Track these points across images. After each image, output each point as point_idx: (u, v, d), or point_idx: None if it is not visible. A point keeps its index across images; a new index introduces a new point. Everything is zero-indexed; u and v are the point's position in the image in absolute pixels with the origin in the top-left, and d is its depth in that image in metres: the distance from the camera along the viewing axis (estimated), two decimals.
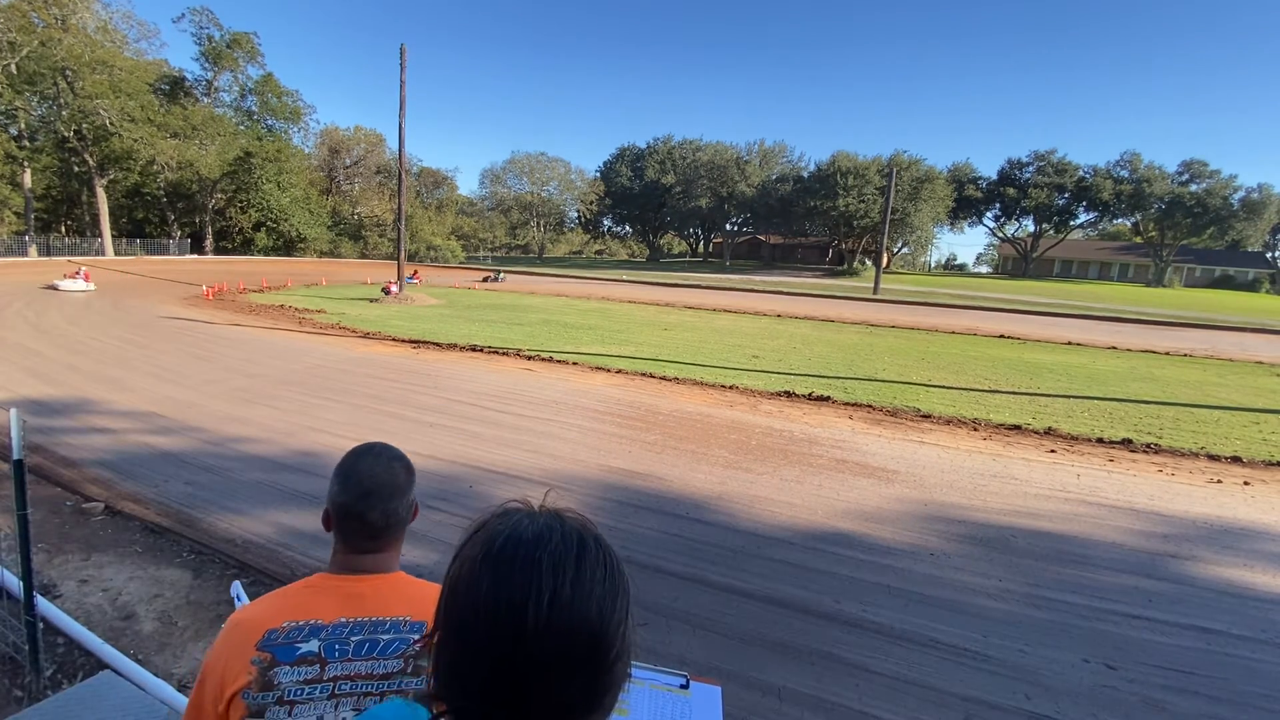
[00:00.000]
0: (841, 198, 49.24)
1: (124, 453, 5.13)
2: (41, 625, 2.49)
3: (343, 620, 0.95)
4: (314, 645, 0.92)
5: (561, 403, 7.45)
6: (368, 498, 0.99)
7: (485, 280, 29.47)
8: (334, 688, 0.91)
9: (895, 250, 61.15)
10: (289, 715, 0.88)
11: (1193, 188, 53.17)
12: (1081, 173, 56.96)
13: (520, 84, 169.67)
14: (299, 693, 0.89)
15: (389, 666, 0.93)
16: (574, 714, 0.50)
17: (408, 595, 1.00)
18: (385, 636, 0.94)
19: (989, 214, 63.15)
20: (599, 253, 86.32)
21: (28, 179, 34.12)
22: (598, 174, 68.62)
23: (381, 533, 1.01)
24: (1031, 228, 62.18)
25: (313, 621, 0.93)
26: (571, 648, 0.49)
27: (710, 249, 69.42)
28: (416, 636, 0.95)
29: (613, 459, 5.48)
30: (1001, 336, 17.56)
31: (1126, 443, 6.72)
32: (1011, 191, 58.29)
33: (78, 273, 20.18)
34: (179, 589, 3.19)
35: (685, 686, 1.10)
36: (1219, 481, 5.61)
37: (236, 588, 1.68)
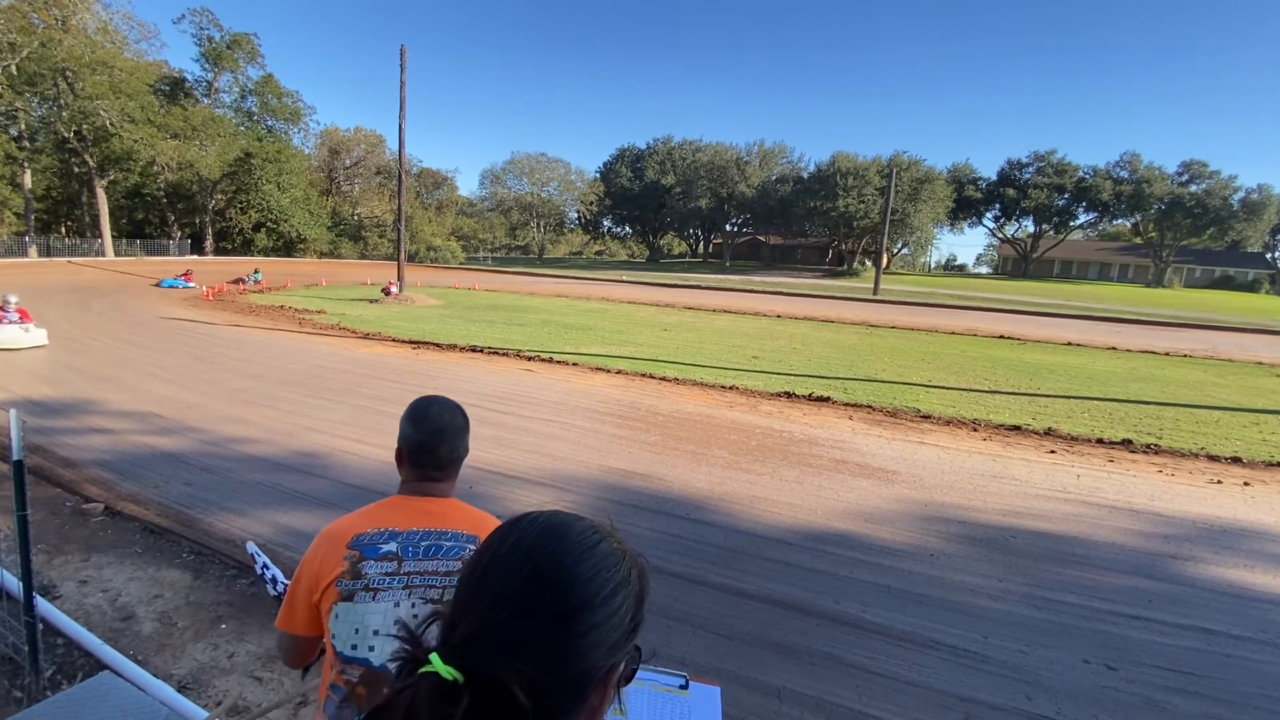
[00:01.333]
0: (841, 198, 49.22)
1: (124, 453, 5.12)
2: (41, 626, 2.49)
3: (414, 529, 1.19)
4: (393, 546, 1.16)
5: (561, 403, 7.45)
6: (438, 435, 1.26)
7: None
8: (408, 580, 1.15)
9: (895, 251, 61.14)
10: (373, 599, 1.13)
11: (1192, 188, 53.16)
12: (1081, 173, 56.96)
13: (520, 84, 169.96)
14: (381, 582, 1.14)
15: (450, 566, 1.17)
16: (524, 660, 0.51)
17: (465, 514, 1.25)
18: (448, 543, 1.19)
19: (989, 214, 63.15)
20: (599, 253, 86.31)
21: (28, 180, 34.11)
22: (598, 175, 68.60)
23: (447, 464, 1.28)
24: (1031, 228, 62.17)
25: (391, 528, 1.19)
26: (533, 586, 0.54)
27: (710, 250, 69.39)
28: (471, 546, 1.19)
29: (613, 459, 5.48)
30: (1001, 337, 17.56)
31: (1126, 443, 6.72)
32: (1011, 192, 58.28)
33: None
34: (179, 590, 3.18)
35: (685, 687, 1.10)
36: (1219, 482, 5.61)
37: (252, 546, 1.84)
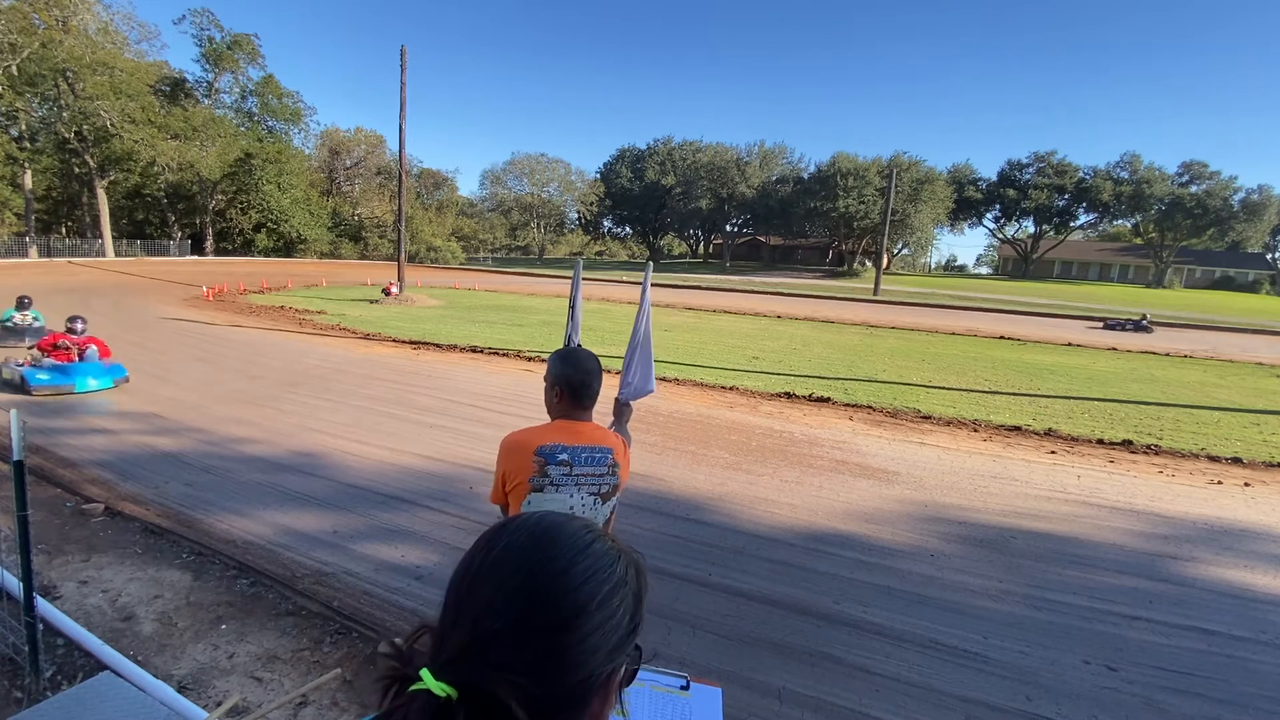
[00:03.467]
0: (841, 199, 49.23)
1: (124, 453, 5.12)
2: (41, 626, 2.49)
3: (579, 444, 1.66)
4: (565, 455, 1.63)
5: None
6: (592, 374, 1.76)
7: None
8: (577, 480, 1.65)
9: (895, 251, 61.16)
10: (556, 491, 1.62)
11: (1193, 189, 53.18)
12: (1081, 174, 56.99)
13: (520, 85, 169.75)
14: (561, 479, 1.63)
15: (602, 470, 1.68)
16: (519, 672, 0.49)
17: (605, 433, 1.76)
18: (599, 454, 1.68)
19: (989, 215, 63.18)
20: (599, 254, 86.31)
21: (28, 180, 34.13)
22: (598, 175, 68.63)
23: (595, 395, 1.77)
24: (1031, 229, 62.20)
25: (562, 443, 1.65)
26: (524, 594, 0.52)
27: (710, 250, 69.41)
28: (610, 455, 1.69)
29: None
30: (1001, 337, 17.56)
31: (1127, 444, 6.72)
32: (1011, 193, 58.30)
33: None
34: (179, 590, 3.18)
35: (686, 688, 1.10)
36: (1219, 483, 5.61)
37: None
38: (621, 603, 0.55)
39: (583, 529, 0.58)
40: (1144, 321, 21.45)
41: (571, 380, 1.71)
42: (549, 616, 0.51)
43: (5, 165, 32.19)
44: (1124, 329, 21.21)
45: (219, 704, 2.38)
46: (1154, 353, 15.38)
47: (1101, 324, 22.85)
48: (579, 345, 1.87)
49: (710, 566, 3.64)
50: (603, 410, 1.86)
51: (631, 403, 2.55)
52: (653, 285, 2.97)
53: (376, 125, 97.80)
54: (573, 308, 2.98)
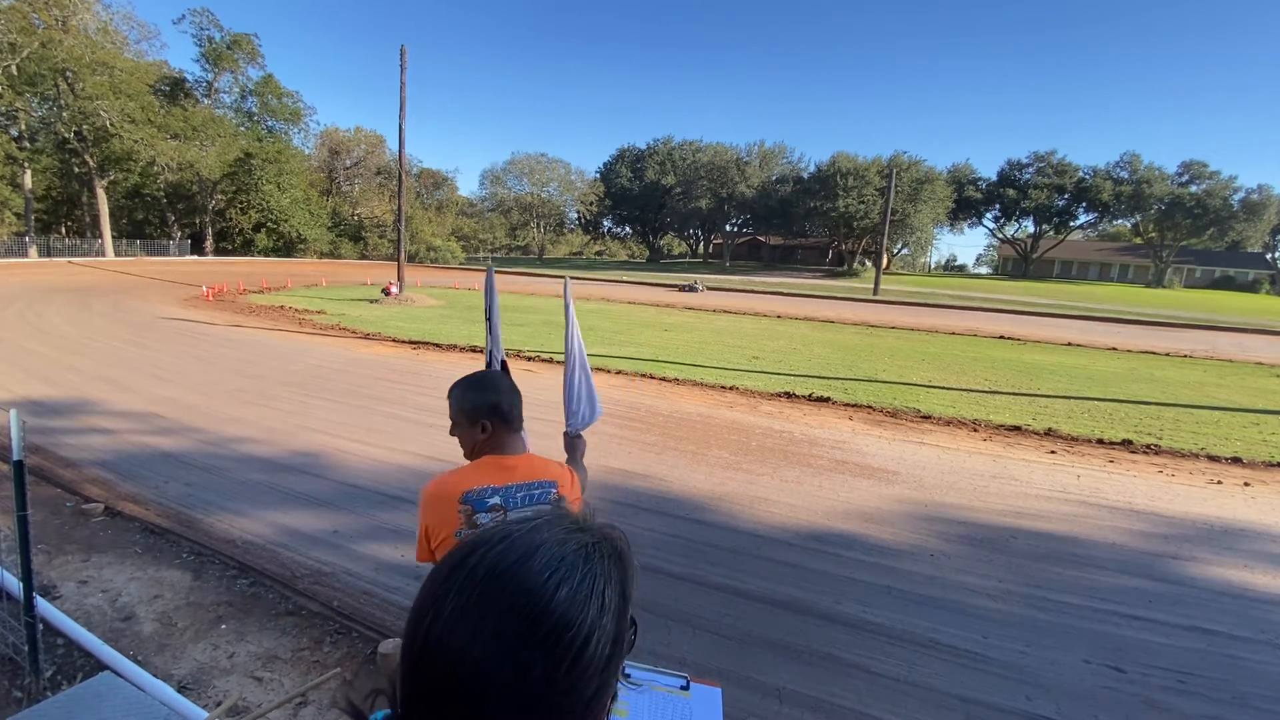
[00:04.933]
0: (841, 199, 49.22)
1: (124, 453, 5.12)
2: (41, 626, 2.48)
3: (510, 484, 1.44)
4: (497, 499, 1.41)
5: (562, 403, 7.44)
6: (511, 394, 1.53)
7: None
8: None
9: (895, 251, 61.13)
10: None
11: (1192, 189, 53.18)
12: (1081, 174, 56.98)
13: (520, 84, 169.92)
14: None
15: (542, 508, 1.41)
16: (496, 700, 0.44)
17: (543, 465, 1.52)
18: (537, 491, 1.46)
19: (989, 215, 63.17)
20: (599, 254, 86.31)
21: (28, 180, 34.13)
22: (598, 175, 68.61)
23: (517, 420, 1.53)
24: (1031, 229, 62.19)
25: (492, 485, 1.42)
26: (491, 663, 0.44)
27: (710, 250, 69.40)
28: (553, 490, 1.48)
29: (612, 460, 5.48)
30: (1001, 337, 17.56)
31: (1127, 444, 6.72)
32: (1011, 192, 58.29)
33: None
34: (179, 590, 3.18)
35: (686, 688, 1.10)
36: (1219, 482, 5.61)
37: None
38: (603, 627, 0.48)
39: (554, 542, 0.49)
40: (695, 286, 30.13)
41: (487, 404, 1.48)
42: (525, 684, 0.44)
43: (5, 165, 32.18)
44: (686, 291, 30.23)
45: (219, 704, 2.38)
46: (1154, 352, 15.38)
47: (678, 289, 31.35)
48: (496, 367, 1.56)
49: (710, 566, 3.64)
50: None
51: (583, 434, 2.27)
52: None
53: (376, 125, 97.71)
54: (489, 319, 2.49)
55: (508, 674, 0.44)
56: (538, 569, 0.47)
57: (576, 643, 0.45)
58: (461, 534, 1.33)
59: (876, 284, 34.89)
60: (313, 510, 4.19)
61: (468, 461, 1.52)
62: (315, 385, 7.86)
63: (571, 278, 3.04)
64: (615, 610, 0.50)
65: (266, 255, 42.00)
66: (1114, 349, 15.85)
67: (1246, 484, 5.60)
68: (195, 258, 39.22)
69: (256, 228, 42.06)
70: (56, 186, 39.41)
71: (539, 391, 8.09)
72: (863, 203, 49.50)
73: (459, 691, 0.44)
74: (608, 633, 0.48)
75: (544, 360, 10.37)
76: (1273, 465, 6.19)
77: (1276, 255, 65.62)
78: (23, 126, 32.39)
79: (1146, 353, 15.34)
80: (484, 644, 0.44)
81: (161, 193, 40.36)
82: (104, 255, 35.23)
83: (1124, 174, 55.55)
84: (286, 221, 42.04)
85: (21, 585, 2.34)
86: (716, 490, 4.87)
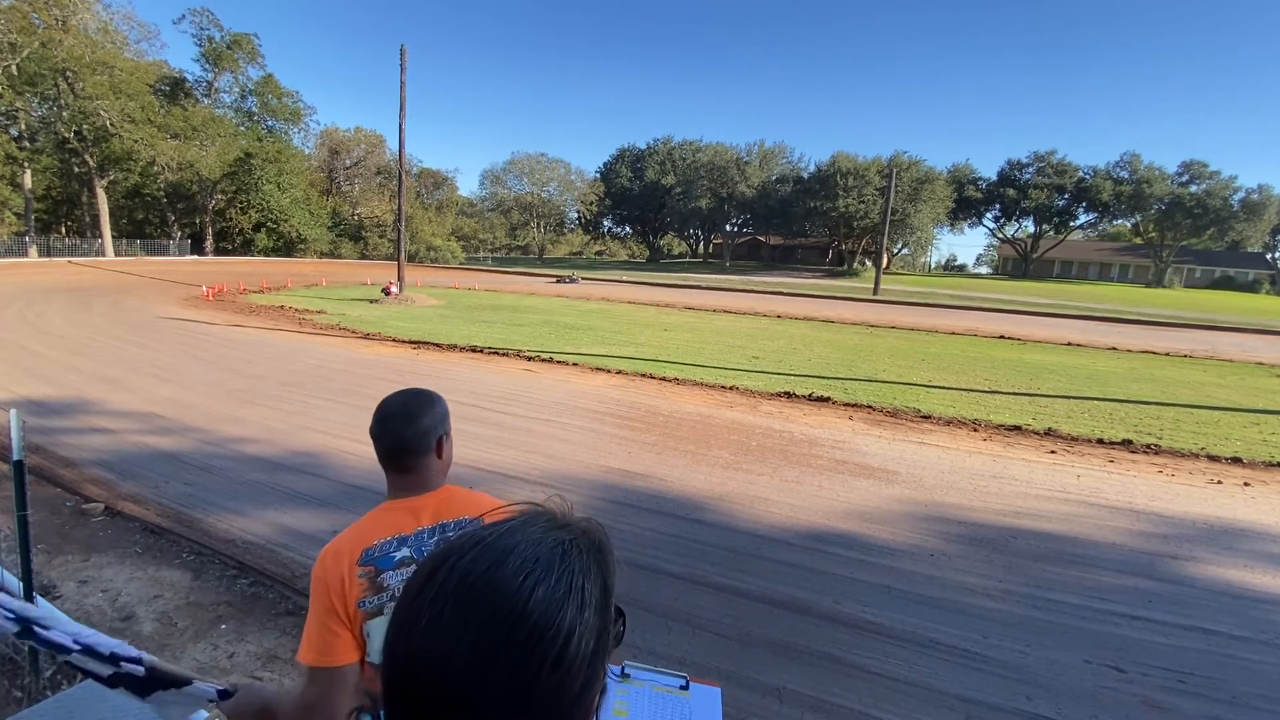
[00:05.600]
0: (841, 198, 49.24)
1: (124, 453, 5.12)
2: None
3: (420, 529, 1.18)
4: (405, 551, 1.15)
5: (561, 403, 7.45)
6: (382, 423, 1.22)
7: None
8: None
9: (895, 251, 61.16)
10: None
11: (1193, 189, 53.20)
12: (1081, 174, 57.01)
13: (520, 84, 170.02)
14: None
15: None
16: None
17: (463, 500, 1.26)
18: (452, 534, 1.15)
19: (989, 215, 63.22)
20: (599, 253, 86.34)
21: (28, 180, 34.14)
22: (598, 175, 68.65)
23: (397, 453, 1.20)
24: (1031, 228, 62.24)
25: (399, 534, 1.16)
26: (460, 666, 0.43)
27: (710, 250, 69.43)
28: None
29: (612, 460, 5.48)
30: (1001, 337, 17.56)
31: (1127, 443, 6.72)
32: (1011, 192, 58.32)
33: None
34: (179, 590, 3.18)
35: (685, 688, 1.10)
36: (1219, 482, 5.61)
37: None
38: (590, 598, 0.48)
39: (529, 544, 0.48)
40: (572, 278, 31.77)
41: (374, 436, 1.22)
42: (524, 650, 0.44)
43: (5, 165, 32.18)
44: (563, 283, 31.79)
45: None
46: (1154, 352, 15.38)
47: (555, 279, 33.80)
48: (413, 389, 1.33)
49: (710, 566, 3.64)
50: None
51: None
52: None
53: (376, 125, 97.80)
54: None
55: (492, 681, 0.43)
56: (511, 573, 0.46)
57: (558, 642, 0.45)
58: (366, 602, 1.08)
59: (876, 284, 34.89)
60: (313, 510, 4.20)
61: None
62: (315, 385, 7.86)
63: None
64: (596, 604, 0.49)
65: (266, 255, 42.01)
66: (1114, 349, 15.85)
67: (1246, 484, 5.60)
68: (195, 257, 39.22)
69: (256, 228, 42.07)
70: (56, 186, 39.42)
71: (539, 391, 8.09)
72: (863, 203, 49.51)
73: (445, 704, 0.43)
74: (590, 627, 0.47)
75: (544, 360, 10.38)
76: (1273, 465, 6.19)
77: (1276, 255, 65.66)
78: (23, 126, 32.41)
79: (1146, 353, 15.34)
80: (465, 655, 0.43)
81: (161, 193, 40.38)
82: (104, 255, 35.24)
83: (1124, 174, 55.57)
84: (286, 221, 42.05)
85: (21, 585, 2.34)
86: (716, 490, 4.87)
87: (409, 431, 1.21)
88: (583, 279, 35.53)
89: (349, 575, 1.10)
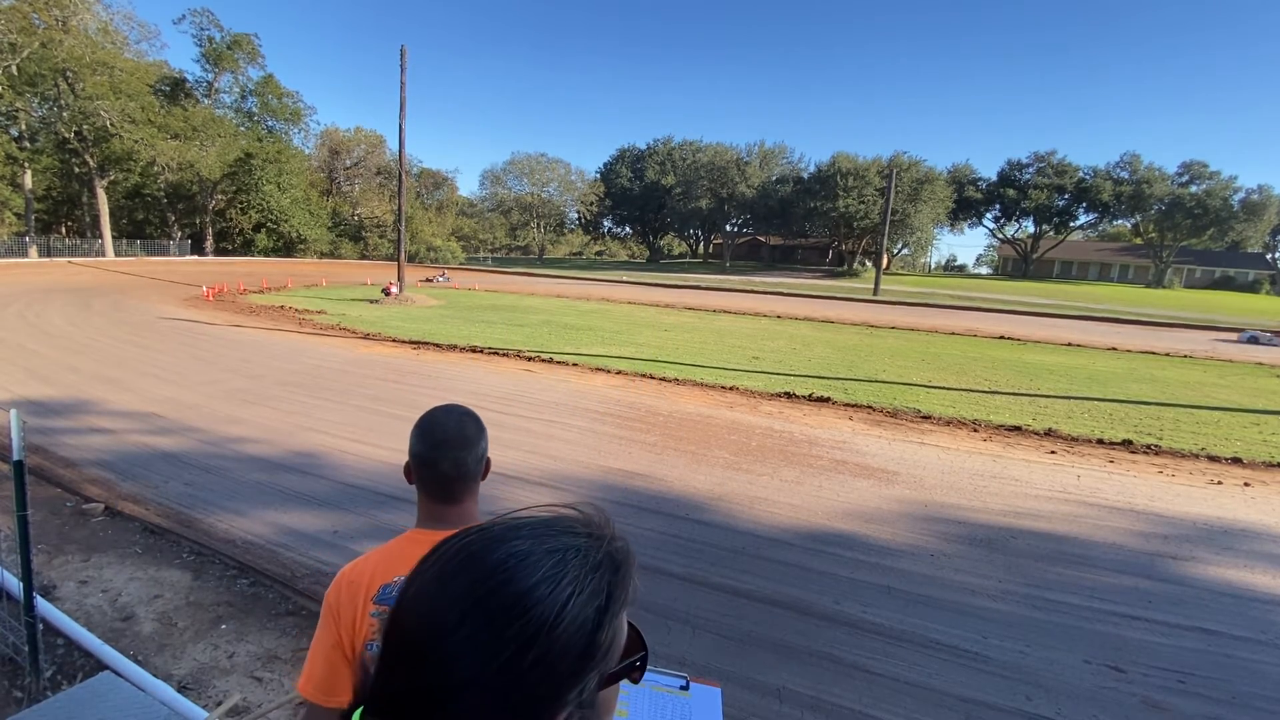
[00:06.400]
0: (841, 199, 49.23)
1: (124, 453, 5.12)
2: (41, 626, 2.49)
3: None
4: None
5: (561, 404, 7.45)
6: (439, 448, 1.09)
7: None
8: None
9: (895, 251, 61.15)
10: None
11: (1193, 189, 53.18)
12: (1081, 174, 56.99)
13: (520, 84, 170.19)
14: None
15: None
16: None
17: None
18: None
19: (989, 215, 63.18)
20: (599, 254, 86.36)
21: (28, 180, 34.13)
22: (598, 175, 68.67)
23: (453, 482, 1.11)
24: (1031, 229, 62.20)
25: None
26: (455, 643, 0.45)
27: (710, 250, 69.42)
28: None
29: (613, 460, 5.48)
30: (1001, 337, 17.56)
31: (1127, 444, 6.72)
32: (1011, 193, 58.30)
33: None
34: (179, 590, 3.18)
35: (685, 688, 1.10)
36: (1219, 483, 5.61)
37: None
38: (586, 603, 0.48)
39: (528, 541, 0.49)
40: (444, 276, 23.67)
41: (415, 455, 1.12)
42: (499, 623, 0.45)
43: (5, 165, 32.18)
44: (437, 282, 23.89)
45: (219, 704, 2.38)
46: (1154, 352, 15.38)
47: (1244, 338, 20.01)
48: (454, 403, 1.20)
49: (710, 566, 3.64)
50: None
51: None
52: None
53: (376, 125, 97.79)
54: None
55: (461, 636, 0.44)
56: (500, 557, 0.47)
57: (531, 629, 0.44)
58: (374, 647, 0.98)
59: (876, 284, 34.89)
60: (313, 510, 4.19)
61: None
62: (315, 385, 7.86)
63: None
64: (593, 614, 0.48)
65: (266, 255, 42.00)
66: (1114, 349, 15.85)
67: (1246, 484, 5.60)
68: (195, 258, 39.21)
69: (256, 228, 42.06)
70: (56, 186, 39.42)
71: (539, 391, 8.09)
72: (863, 203, 49.50)
73: (420, 648, 0.46)
74: (579, 631, 0.46)
75: (544, 360, 10.37)
76: (1273, 465, 6.19)
77: (1276, 255, 65.65)
78: (23, 126, 32.40)
79: (1146, 353, 15.34)
80: (443, 607, 0.46)
81: (161, 193, 40.37)
82: (104, 255, 35.23)
83: (1124, 174, 55.56)
84: (286, 221, 42.04)
85: (21, 585, 2.34)
86: (716, 490, 4.87)
87: (469, 458, 1.12)
88: (451, 276, 32.56)
89: (361, 613, 1.03)
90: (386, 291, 20.31)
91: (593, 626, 0.47)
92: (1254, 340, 19.50)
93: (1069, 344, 16.62)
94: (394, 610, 0.49)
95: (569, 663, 0.46)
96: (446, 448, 1.10)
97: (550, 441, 5.92)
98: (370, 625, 1.02)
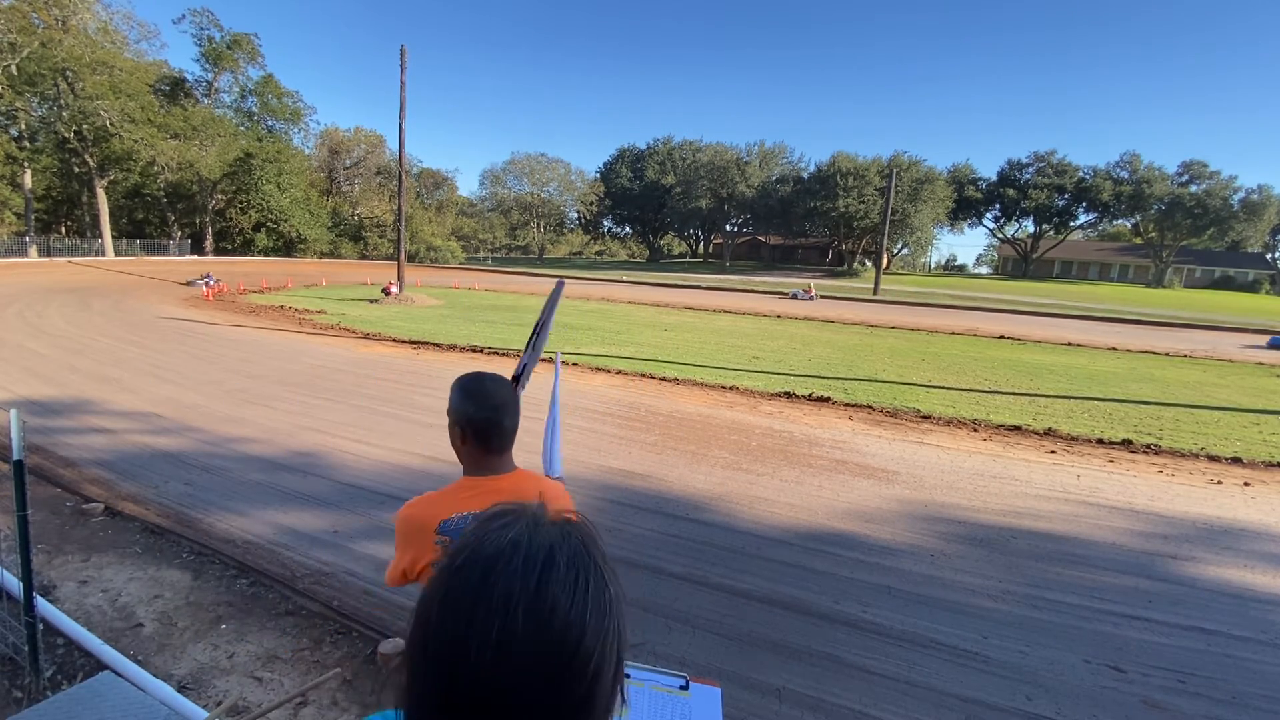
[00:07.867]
0: (841, 198, 49.24)
1: (124, 453, 5.12)
2: (41, 626, 2.48)
3: None
4: None
5: (561, 403, 7.44)
6: (500, 410, 1.34)
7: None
8: None
9: (895, 251, 61.18)
10: None
11: (1193, 188, 53.19)
12: (1081, 174, 56.99)
13: (520, 84, 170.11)
14: None
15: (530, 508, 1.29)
16: None
17: (535, 486, 1.41)
18: None
19: (989, 215, 63.21)
20: (599, 253, 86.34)
21: (28, 180, 34.12)
22: (598, 175, 68.67)
23: (510, 435, 1.38)
24: (1031, 228, 62.21)
25: (471, 511, 1.29)
26: (522, 689, 0.46)
27: (710, 250, 69.43)
28: None
29: (612, 460, 5.48)
30: (1001, 337, 17.55)
31: (1126, 443, 6.72)
32: (1011, 192, 58.30)
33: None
34: (179, 590, 3.18)
35: (685, 688, 1.10)
36: (1219, 482, 5.61)
37: None
38: (617, 617, 0.51)
39: (569, 564, 0.49)
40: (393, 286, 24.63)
41: (475, 419, 1.33)
42: (568, 672, 0.47)
43: (5, 165, 32.18)
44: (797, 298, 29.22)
45: (219, 704, 2.38)
46: (1154, 352, 15.38)
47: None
48: (484, 371, 1.43)
49: (710, 566, 3.64)
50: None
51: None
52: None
53: (376, 125, 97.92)
54: (538, 333, 2.41)
55: (537, 698, 0.46)
56: (556, 594, 0.47)
57: (590, 666, 0.47)
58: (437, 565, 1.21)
59: (876, 284, 34.89)
60: (313, 510, 4.19)
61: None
62: (315, 385, 7.86)
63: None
64: (618, 625, 0.51)
65: (266, 255, 41.99)
66: (1114, 349, 15.84)
67: (1246, 484, 5.60)
68: (195, 257, 39.17)
69: (256, 227, 42.06)
70: (56, 186, 39.40)
71: (539, 391, 8.08)
72: (863, 203, 49.50)
73: (492, 711, 0.46)
74: (619, 644, 0.51)
75: (544, 360, 10.37)
76: (1273, 465, 6.19)
77: (1276, 255, 65.65)
78: (23, 126, 32.38)
79: (1146, 352, 15.34)
80: (516, 673, 0.46)
81: (161, 192, 40.35)
82: (104, 255, 35.21)
83: (1124, 174, 55.56)
84: (286, 221, 42.03)
85: (21, 585, 2.34)
86: (716, 490, 4.87)
87: (512, 417, 1.37)
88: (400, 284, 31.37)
89: (426, 539, 1.28)
90: (386, 291, 20.31)
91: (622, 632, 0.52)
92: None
93: (1069, 344, 16.61)
94: (451, 672, 0.47)
95: (618, 666, 0.51)
96: (505, 409, 1.35)
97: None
98: (433, 550, 1.27)
